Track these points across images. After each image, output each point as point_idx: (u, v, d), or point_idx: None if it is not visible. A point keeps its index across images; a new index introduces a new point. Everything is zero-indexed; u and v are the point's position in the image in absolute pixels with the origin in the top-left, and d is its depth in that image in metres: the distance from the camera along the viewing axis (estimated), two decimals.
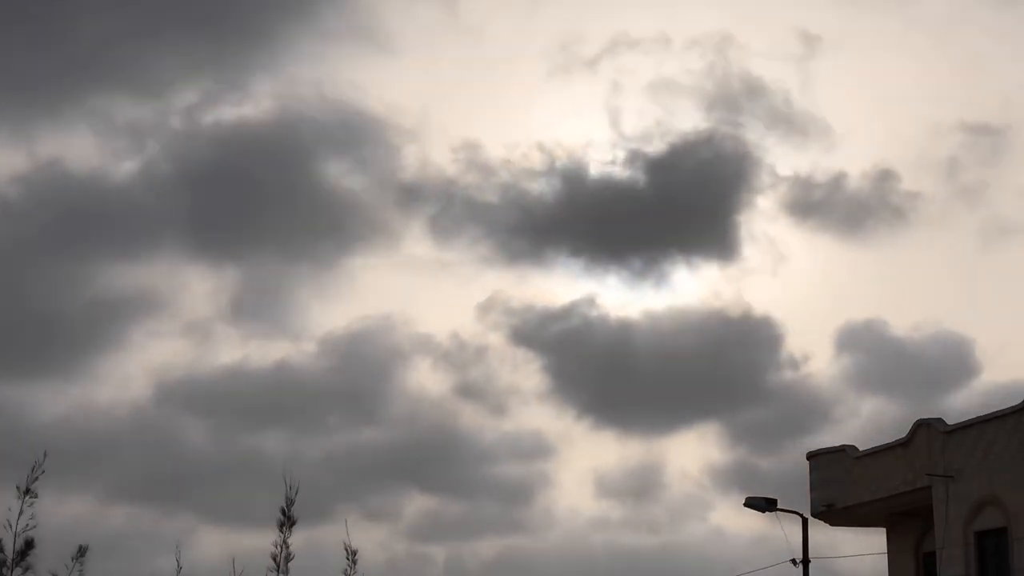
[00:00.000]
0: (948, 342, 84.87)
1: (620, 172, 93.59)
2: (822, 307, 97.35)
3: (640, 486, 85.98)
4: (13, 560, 16.09)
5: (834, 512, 38.79)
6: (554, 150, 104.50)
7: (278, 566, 14.42)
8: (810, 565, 38.26)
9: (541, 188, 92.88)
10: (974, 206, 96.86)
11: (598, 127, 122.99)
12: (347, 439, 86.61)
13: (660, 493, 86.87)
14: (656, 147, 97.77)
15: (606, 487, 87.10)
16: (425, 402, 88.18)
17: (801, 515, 39.01)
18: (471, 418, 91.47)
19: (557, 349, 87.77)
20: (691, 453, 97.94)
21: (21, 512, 16.01)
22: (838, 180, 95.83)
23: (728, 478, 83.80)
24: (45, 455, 16.10)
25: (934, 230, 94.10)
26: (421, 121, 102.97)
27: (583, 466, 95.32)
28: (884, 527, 39.13)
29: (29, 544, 15.99)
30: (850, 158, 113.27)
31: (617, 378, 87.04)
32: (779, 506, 38.42)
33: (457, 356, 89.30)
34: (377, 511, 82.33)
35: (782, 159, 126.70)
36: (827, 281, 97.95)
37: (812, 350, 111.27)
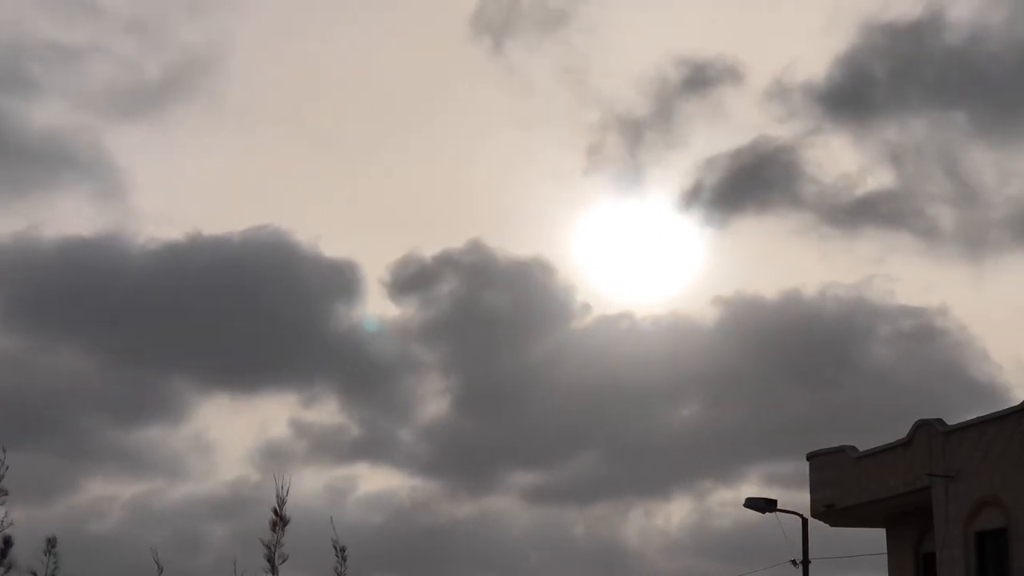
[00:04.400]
0: None
1: None
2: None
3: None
4: None
5: (834, 512, 38.74)
6: None
7: (272, 566, 14.36)
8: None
9: None
10: None
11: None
12: None
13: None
14: None
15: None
16: None
17: (801, 515, 39.00)
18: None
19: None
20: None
21: None
22: None
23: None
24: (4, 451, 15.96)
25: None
26: None
27: None
28: (884, 527, 39.07)
29: (8, 542, 15.88)
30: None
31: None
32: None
33: None
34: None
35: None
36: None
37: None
